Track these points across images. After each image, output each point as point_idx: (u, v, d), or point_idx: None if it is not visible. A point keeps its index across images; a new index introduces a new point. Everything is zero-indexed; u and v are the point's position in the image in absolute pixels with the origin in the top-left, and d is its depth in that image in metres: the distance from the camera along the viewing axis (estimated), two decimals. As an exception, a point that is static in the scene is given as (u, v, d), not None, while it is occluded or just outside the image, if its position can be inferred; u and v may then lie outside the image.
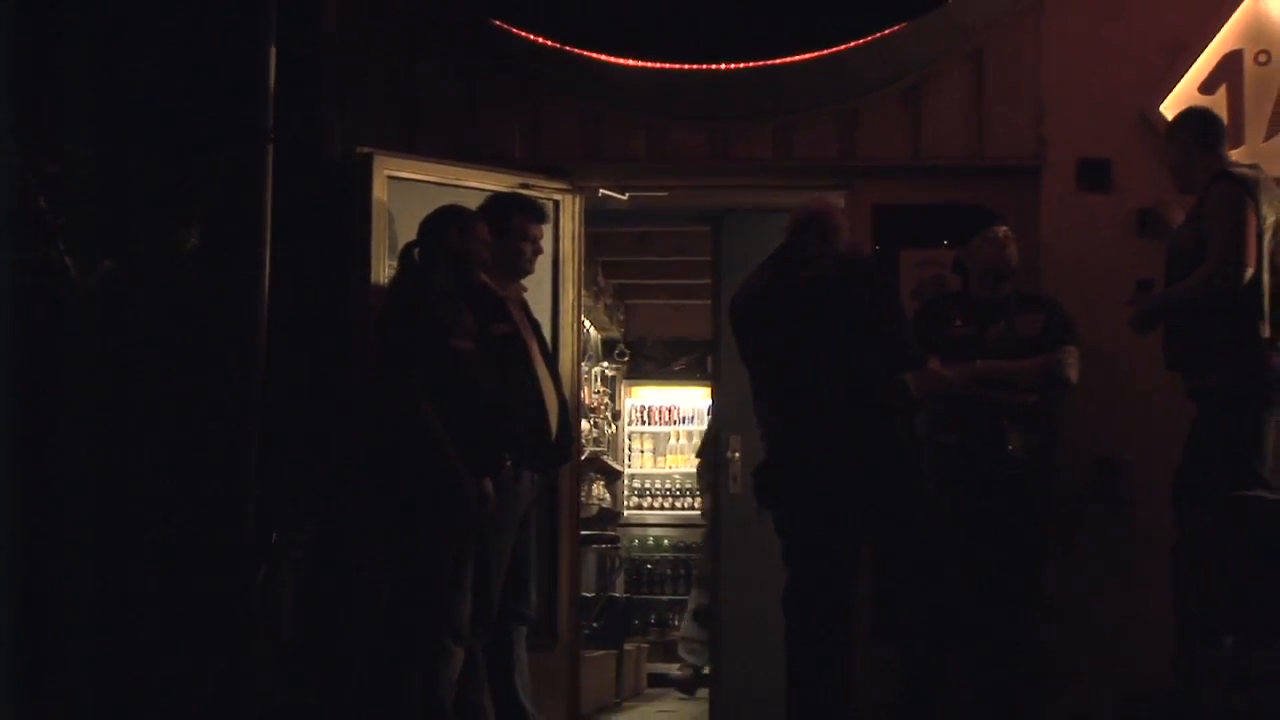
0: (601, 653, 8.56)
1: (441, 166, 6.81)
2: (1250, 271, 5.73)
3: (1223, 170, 5.93)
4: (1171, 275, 5.98)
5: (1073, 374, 6.36)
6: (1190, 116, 6.24)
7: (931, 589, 5.77)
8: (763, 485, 6.03)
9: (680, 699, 9.35)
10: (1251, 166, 6.03)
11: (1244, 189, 5.82)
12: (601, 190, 7.49)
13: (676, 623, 9.55)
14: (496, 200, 6.54)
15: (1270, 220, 5.82)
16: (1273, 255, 5.81)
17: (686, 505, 12.03)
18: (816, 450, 5.82)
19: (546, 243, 6.85)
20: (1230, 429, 5.82)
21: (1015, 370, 6.32)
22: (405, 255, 6.25)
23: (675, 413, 12.72)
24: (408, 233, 6.36)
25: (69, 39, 6.13)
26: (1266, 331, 5.76)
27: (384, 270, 6.59)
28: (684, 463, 12.20)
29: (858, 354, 5.84)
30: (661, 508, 12.29)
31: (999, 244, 6.49)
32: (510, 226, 6.38)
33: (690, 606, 9.57)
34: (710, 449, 8.14)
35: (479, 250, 6.15)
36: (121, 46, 6.32)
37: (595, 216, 7.54)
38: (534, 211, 6.56)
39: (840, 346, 5.84)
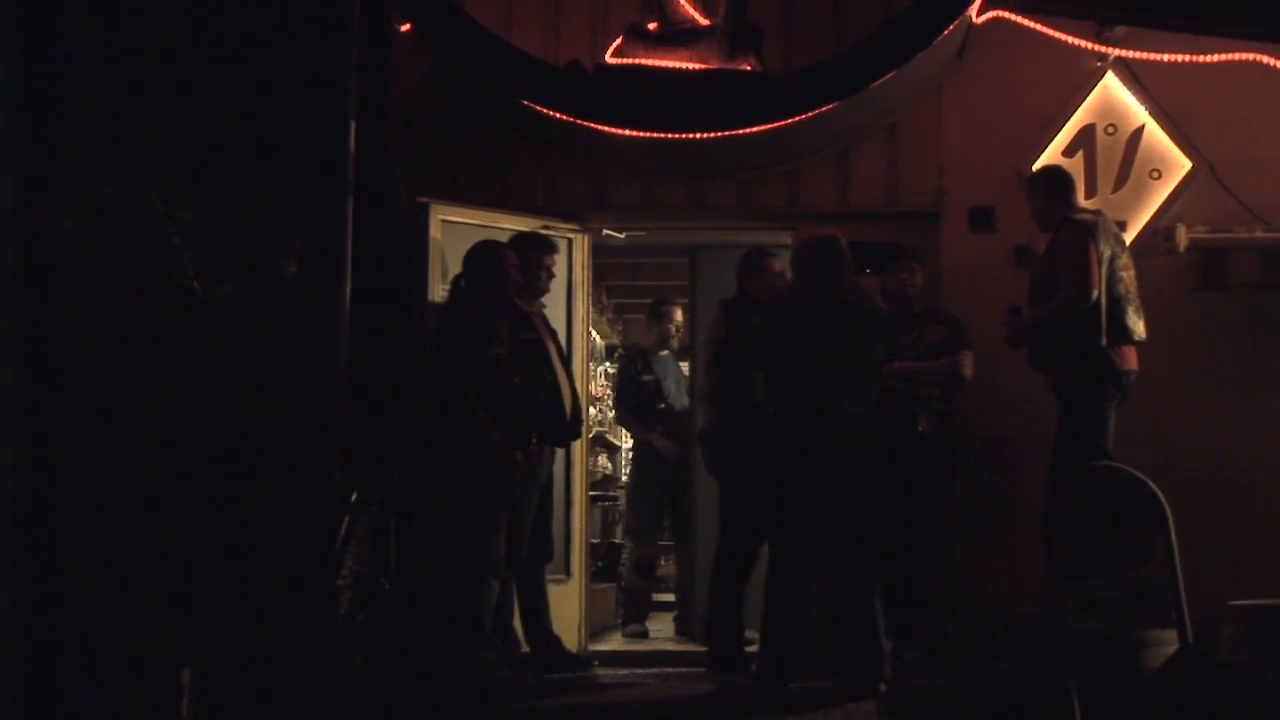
0: (605, 585, 8.38)
1: (481, 212, 6.84)
2: (1095, 294, 5.79)
3: (1068, 216, 5.96)
4: (1034, 297, 6.03)
5: (968, 372, 6.47)
6: (1049, 172, 6.28)
7: (863, 536, 5.82)
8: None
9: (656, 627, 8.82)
10: (1094, 212, 6.06)
11: (1085, 231, 5.86)
12: (605, 230, 7.53)
13: (664, 562, 9.16)
14: (521, 238, 6.55)
15: (1107, 254, 5.86)
16: (1108, 281, 5.84)
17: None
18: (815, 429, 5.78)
19: (562, 270, 6.89)
20: (1080, 414, 5.88)
21: (924, 370, 6.42)
22: (455, 283, 6.32)
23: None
24: (455, 262, 6.41)
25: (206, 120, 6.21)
26: (1104, 340, 5.81)
27: (438, 291, 6.62)
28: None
29: (864, 359, 5.85)
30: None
31: (911, 271, 6.61)
32: (530, 259, 6.40)
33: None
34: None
35: (511, 274, 6.19)
36: (240, 118, 6.36)
37: (599, 250, 7.57)
38: (548, 246, 6.60)
39: (851, 353, 5.82)
